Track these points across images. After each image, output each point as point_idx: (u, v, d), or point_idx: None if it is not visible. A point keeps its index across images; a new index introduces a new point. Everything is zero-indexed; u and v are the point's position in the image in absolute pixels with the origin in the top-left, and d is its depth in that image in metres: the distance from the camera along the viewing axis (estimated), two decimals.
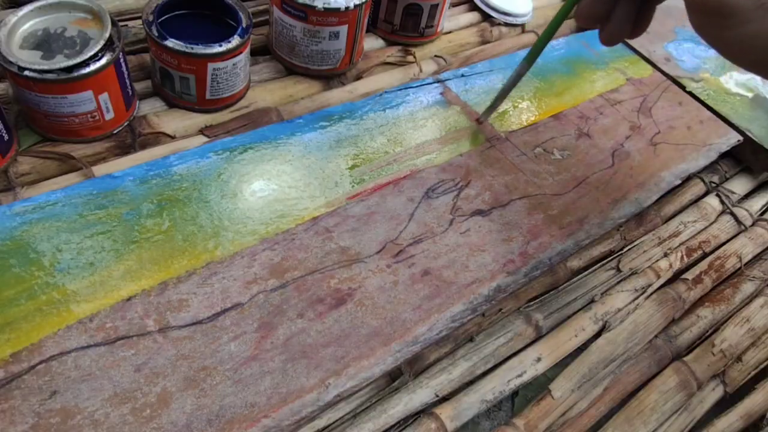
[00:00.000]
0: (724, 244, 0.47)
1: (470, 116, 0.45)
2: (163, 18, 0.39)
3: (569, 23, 0.60)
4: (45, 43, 0.34)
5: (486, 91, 0.47)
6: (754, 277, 0.44)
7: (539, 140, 0.45)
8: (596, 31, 0.58)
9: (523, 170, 0.43)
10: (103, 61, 0.34)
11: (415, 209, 0.38)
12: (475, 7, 0.57)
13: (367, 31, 0.51)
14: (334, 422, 0.31)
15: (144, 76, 0.43)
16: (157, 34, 0.36)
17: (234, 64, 0.39)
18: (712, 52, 0.59)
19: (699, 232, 0.47)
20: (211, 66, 0.38)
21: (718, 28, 0.27)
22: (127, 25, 0.44)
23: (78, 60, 0.33)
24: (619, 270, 0.42)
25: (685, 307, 0.41)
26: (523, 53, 0.52)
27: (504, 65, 0.50)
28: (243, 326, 0.31)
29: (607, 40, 0.34)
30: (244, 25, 0.39)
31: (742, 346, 0.40)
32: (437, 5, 0.49)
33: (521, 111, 0.47)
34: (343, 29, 0.43)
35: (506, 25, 0.57)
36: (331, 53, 0.44)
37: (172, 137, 0.40)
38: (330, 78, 0.47)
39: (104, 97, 0.35)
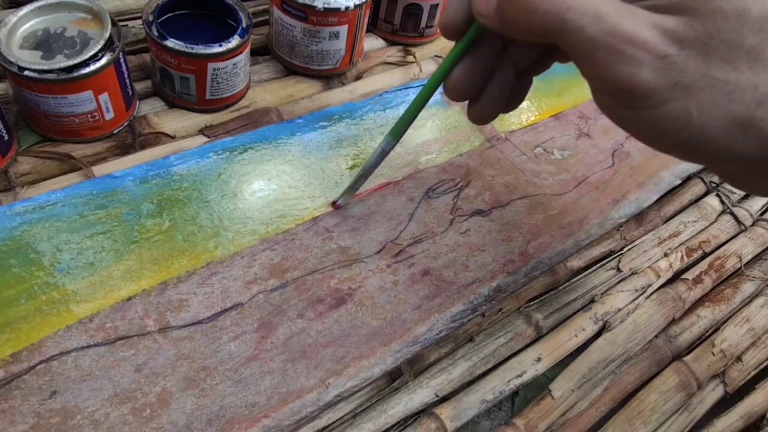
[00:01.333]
0: (724, 244, 0.47)
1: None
2: (163, 18, 0.39)
3: None
4: (45, 43, 0.34)
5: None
6: (754, 277, 0.44)
7: (539, 140, 0.45)
8: None
9: (523, 170, 0.43)
10: (103, 61, 0.34)
11: (415, 209, 0.38)
12: None
13: (367, 31, 0.51)
14: (334, 422, 0.31)
15: (144, 76, 0.43)
16: (157, 34, 0.36)
17: (234, 64, 0.39)
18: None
19: (699, 232, 0.47)
20: (211, 66, 0.38)
21: (630, 110, 0.23)
22: (127, 25, 0.44)
23: (78, 60, 0.33)
24: (619, 270, 0.42)
25: (685, 307, 0.41)
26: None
27: None
28: (243, 326, 0.31)
29: (477, 118, 0.30)
30: (244, 25, 0.39)
31: (742, 346, 0.40)
32: (437, 5, 0.49)
33: (521, 111, 0.47)
34: (343, 29, 0.43)
35: None
36: (331, 53, 0.44)
37: (172, 137, 0.40)
38: (330, 78, 0.47)
39: (104, 97, 0.35)
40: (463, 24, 0.27)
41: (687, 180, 0.49)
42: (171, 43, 0.36)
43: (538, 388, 0.36)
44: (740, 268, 0.45)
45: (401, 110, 0.44)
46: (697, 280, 0.43)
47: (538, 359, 0.36)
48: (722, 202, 0.49)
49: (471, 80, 0.28)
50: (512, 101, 0.30)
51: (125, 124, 0.39)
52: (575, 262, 0.41)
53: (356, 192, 0.37)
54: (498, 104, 0.29)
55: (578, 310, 0.39)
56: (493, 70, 0.29)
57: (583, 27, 0.21)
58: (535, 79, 0.49)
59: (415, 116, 0.32)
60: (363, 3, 0.42)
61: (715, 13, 0.20)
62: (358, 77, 0.48)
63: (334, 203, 0.37)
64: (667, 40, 0.20)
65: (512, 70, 0.29)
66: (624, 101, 0.22)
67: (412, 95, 0.45)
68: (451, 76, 0.29)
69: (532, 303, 0.39)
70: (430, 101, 0.46)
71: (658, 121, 0.22)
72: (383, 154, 0.34)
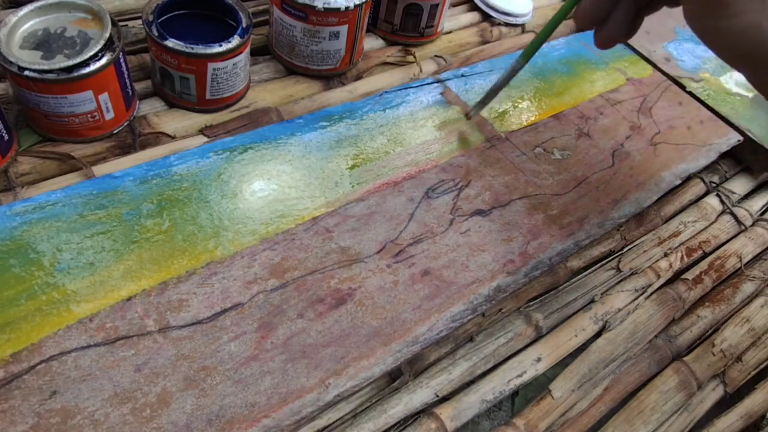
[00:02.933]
0: (724, 244, 0.47)
1: (468, 114, 0.45)
2: (163, 18, 0.39)
3: (570, 24, 0.60)
4: (45, 43, 0.34)
5: (486, 91, 0.47)
6: (754, 277, 0.44)
7: (539, 140, 0.45)
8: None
9: (523, 170, 0.43)
10: (103, 61, 0.34)
11: (415, 209, 0.38)
12: (475, 7, 0.57)
13: (367, 31, 0.51)
14: (334, 422, 0.31)
15: (144, 76, 0.43)
16: (157, 34, 0.36)
17: (234, 64, 0.39)
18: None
19: (699, 232, 0.47)
20: (211, 66, 0.38)
21: (712, 18, 0.27)
22: (127, 25, 0.44)
23: (78, 60, 0.33)
24: (619, 270, 0.42)
25: (685, 307, 0.41)
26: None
27: (504, 65, 0.50)
28: (243, 326, 0.31)
29: (603, 43, 0.35)
30: (244, 25, 0.39)
31: (742, 346, 0.40)
32: (437, 5, 0.49)
33: (521, 111, 0.47)
34: (343, 29, 0.43)
35: (506, 25, 0.57)
36: (331, 53, 0.44)
37: (172, 137, 0.40)
38: (330, 78, 0.47)
39: (104, 97, 0.35)
40: None
41: (687, 180, 0.49)
42: (171, 43, 0.36)
43: (538, 388, 0.36)
44: (740, 268, 0.45)
45: (401, 110, 0.44)
46: (697, 280, 0.43)
47: (538, 359, 0.36)
48: (722, 202, 0.49)
49: (600, 8, 0.33)
50: (631, 30, 0.35)
51: (125, 124, 0.39)
52: (575, 262, 0.41)
53: (485, 105, 0.42)
54: (622, 30, 0.34)
55: (578, 310, 0.39)
56: (617, 2, 0.33)
57: None
58: (535, 79, 0.50)
59: (545, 40, 0.38)
60: (363, 3, 0.42)
61: None
62: (358, 77, 0.48)
63: (466, 114, 0.43)
64: None
65: (633, 3, 0.33)
66: (708, 9, 0.26)
67: (412, 95, 0.45)
68: (583, 4, 0.34)
69: (532, 303, 0.39)
70: (429, 101, 0.46)
71: (733, 30, 0.26)
72: (513, 72, 0.39)
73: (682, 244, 0.45)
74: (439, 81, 0.47)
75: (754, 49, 0.26)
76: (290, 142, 0.40)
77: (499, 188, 0.41)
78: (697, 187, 0.50)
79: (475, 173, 0.41)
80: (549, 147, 0.45)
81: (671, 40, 0.59)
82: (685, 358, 0.39)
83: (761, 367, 0.40)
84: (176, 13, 0.40)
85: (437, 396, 0.33)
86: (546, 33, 0.37)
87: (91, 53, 0.33)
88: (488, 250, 0.37)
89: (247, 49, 0.40)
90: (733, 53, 0.28)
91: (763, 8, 0.25)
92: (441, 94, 0.46)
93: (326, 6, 0.40)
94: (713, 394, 0.38)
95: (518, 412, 0.34)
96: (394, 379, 0.33)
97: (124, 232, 0.33)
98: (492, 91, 0.41)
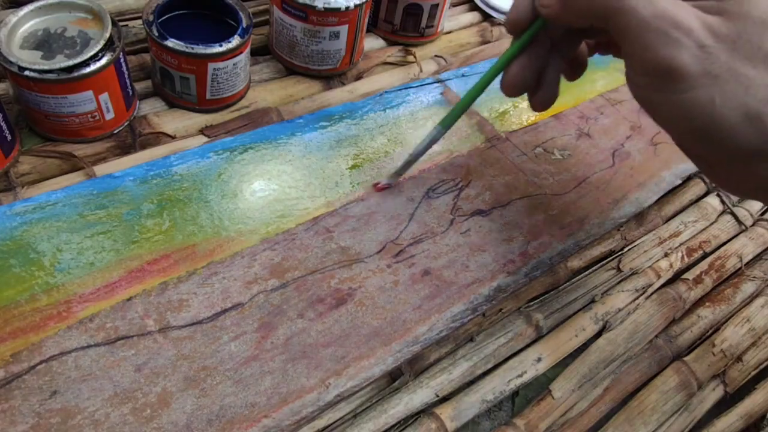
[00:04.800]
0: (724, 244, 0.47)
1: (470, 116, 0.45)
2: (163, 18, 0.39)
3: None
4: (45, 43, 0.34)
5: (486, 91, 0.47)
6: (754, 277, 0.44)
7: (539, 140, 0.45)
8: None
9: (523, 170, 0.43)
10: (104, 61, 0.34)
11: (415, 209, 0.38)
12: (475, 7, 0.57)
13: (368, 31, 0.51)
14: (334, 422, 0.31)
15: (144, 76, 0.43)
16: (157, 34, 0.36)
17: (234, 64, 0.39)
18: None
19: (699, 232, 0.47)
20: (211, 66, 0.38)
21: (661, 91, 0.25)
22: (127, 25, 0.44)
23: (78, 60, 0.33)
24: (619, 270, 0.42)
25: (685, 307, 0.41)
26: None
27: None
28: (243, 326, 0.31)
29: (543, 106, 0.33)
30: (244, 25, 0.39)
31: (742, 346, 0.40)
32: (437, 5, 0.49)
33: (521, 111, 0.47)
34: (344, 29, 0.43)
35: None
36: (332, 53, 0.44)
37: (173, 137, 0.40)
38: (330, 78, 0.47)
39: (104, 97, 0.35)
40: (527, 21, 0.30)
41: (687, 180, 0.49)
42: (171, 43, 0.36)
43: (538, 388, 0.36)
44: (741, 268, 0.45)
45: (401, 110, 0.44)
46: (698, 280, 0.43)
47: (539, 359, 0.36)
48: (723, 202, 0.49)
49: (528, 75, 0.32)
50: (574, 74, 0.35)
51: (125, 124, 0.39)
52: (575, 262, 0.41)
53: (400, 177, 0.39)
54: (556, 90, 0.33)
55: (578, 310, 0.39)
56: (544, 66, 0.32)
57: (638, 8, 0.24)
58: None
59: (467, 108, 0.35)
60: (363, 3, 0.42)
61: (746, 17, 0.24)
62: (358, 77, 0.48)
63: (376, 185, 0.39)
64: (707, 32, 0.24)
65: (561, 62, 0.33)
66: (659, 83, 0.25)
67: (412, 95, 0.45)
68: (509, 73, 0.32)
69: (532, 303, 0.39)
70: (429, 101, 0.46)
71: (685, 104, 0.25)
72: (432, 142, 0.36)
73: (682, 244, 0.45)
74: (439, 81, 0.47)
75: (705, 125, 0.24)
76: (290, 142, 0.40)
77: (500, 188, 0.41)
78: (697, 187, 0.50)
79: (475, 173, 0.41)
80: (549, 147, 0.45)
81: None
82: (685, 358, 0.39)
83: (761, 367, 0.40)
84: (176, 13, 0.40)
85: (437, 396, 0.33)
86: (466, 104, 0.35)
87: (92, 53, 0.33)
88: (488, 250, 0.37)
89: (248, 49, 0.40)
90: (682, 128, 0.26)
91: (715, 83, 0.24)
92: (441, 94, 0.46)
93: (326, 6, 0.40)
94: (713, 394, 0.38)
95: (518, 412, 0.34)
96: (395, 379, 0.33)
97: (124, 232, 0.33)
98: (407, 163, 0.38)
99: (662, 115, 0.27)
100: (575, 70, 0.35)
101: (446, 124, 0.35)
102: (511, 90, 0.32)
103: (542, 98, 0.33)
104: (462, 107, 0.35)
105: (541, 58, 0.32)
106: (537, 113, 0.47)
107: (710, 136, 0.25)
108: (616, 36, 0.26)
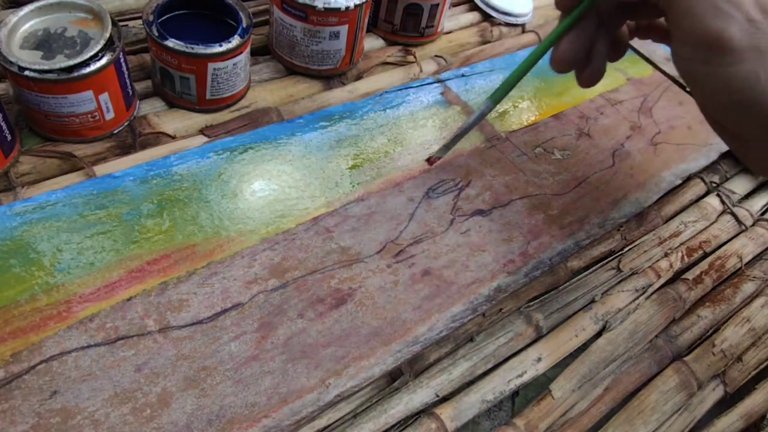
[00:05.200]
0: (724, 244, 0.47)
1: (470, 116, 0.45)
2: (163, 18, 0.39)
3: None
4: (45, 43, 0.34)
5: (486, 91, 0.47)
6: (754, 277, 0.44)
7: (539, 140, 0.45)
8: None
9: (523, 170, 0.43)
10: (104, 61, 0.34)
11: (415, 209, 0.38)
12: (475, 7, 0.57)
13: (368, 31, 0.51)
14: (334, 422, 0.31)
15: (144, 76, 0.43)
16: (157, 34, 0.36)
17: (234, 64, 0.39)
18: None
19: (699, 232, 0.47)
20: (211, 66, 0.38)
21: (706, 64, 0.26)
22: (127, 25, 0.44)
23: (78, 60, 0.33)
24: (619, 270, 0.42)
25: (685, 307, 0.41)
26: (523, 53, 0.52)
27: (504, 65, 0.50)
28: (243, 326, 0.31)
29: (590, 82, 0.34)
30: (244, 25, 0.39)
31: (742, 346, 0.40)
32: (437, 5, 0.49)
33: (521, 111, 0.47)
34: (344, 29, 0.43)
35: (506, 25, 0.57)
36: (332, 53, 0.44)
37: (173, 137, 0.40)
38: (330, 78, 0.47)
39: (104, 97, 0.35)
40: None
41: (687, 180, 0.49)
42: (171, 43, 0.36)
43: (538, 388, 0.36)
44: (741, 268, 0.45)
45: (402, 110, 0.44)
46: (698, 280, 0.43)
47: (539, 359, 0.36)
48: (723, 202, 0.49)
49: (577, 52, 0.32)
50: (616, 54, 0.36)
51: (125, 124, 0.39)
52: (575, 262, 0.41)
53: (449, 151, 0.40)
54: (603, 67, 0.34)
55: (578, 310, 0.39)
56: (592, 43, 0.33)
57: None
58: (536, 79, 0.50)
59: (516, 84, 0.36)
60: (363, 3, 0.42)
61: None
62: (358, 77, 0.48)
63: (429, 159, 0.41)
64: (757, 7, 0.24)
65: (608, 40, 0.33)
66: (705, 55, 0.25)
67: (412, 95, 0.45)
68: (559, 49, 0.32)
69: (532, 303, 0.39)
70: (429, 101, 0.46)
71: (729, 78, 0.25)
72: (482, 116, 0.38)
73: (682, 244, 0.45)
74: (439, 81, 0.47)
75: (747, 99, 0.25)
76: (290, 142, 0.40)
77: (500, 188, 0.41)
78: (697, 187, 0.50)
79: (475, 173, 0.41)
80: (549, 147, 0.45)
81: None
82: (685, 358, 0.39)
83: (761, 367, 0.40)
84: (176, 13, 0.40)
85: (437, 396, 0.33)
86: (515, 79, 0.36)
87: (92, 53, 0.33)
88: (488, 250, 0.37)
89: (248, 49, 0.40)
90: (723, 102, 0.27)
91: (762, 58, 0.24)
92: (441, 94, 0.46)
93: (326, 6, 0.40)
94: (713, 394, 0.38)
95: (518, 412, 0.34)
96: (395, 379, 0.33)
97: (124, 232, 0.33)
98: (457, 136, 0.39)
99: (705, 88, 0.27)
100: (616, 51, 0.35)
101: (495, 99, 0.37)
102: (560, 65, 0.33)
103: (590, 74, 0.34)
104: (511, 82, 0.36)
105: (590, 35, 0.32)
106: (537, 115, 0.47)
107: (752, 111, 0.25)
108: (664, 7, 0.26)
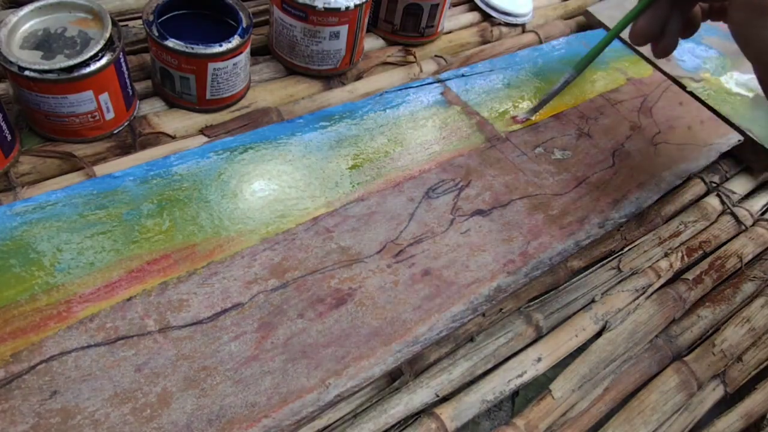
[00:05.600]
0: (724, 244, 0.47)
1: (471, 116, 0.45)
2: (163, 18, 0.39)
3: (570, 24, 0.60)
4: (45, 43, 0.34)
5: (486, 91, 0.47)
6: (754, 277, 0.44)
7: (540, 140, 0.45)
8: (596, 31, 0.58)
9: (523, 170, 0.43)
10: (104, 61, 0.34)
11: (415, 209, 0.38)
12: (475, 7, 0.57)
13: (368, 31, 0.51)
14: (334, 422, 0.31)
15: (144, 76, 0.43)
16: (157, 34, 0.36)
17: (234, 64, 0.39)
18: (713, 52, 0.59)
19: (699, 232, 0.47)
20: (211, 66, 0.38)
21: (755, 27, 0.30)
22: (127, 25, 0.44)
23: (78, 60, 0.33)
24: (619, 270, 0.42)
25: (685, 307, 0.41)
26: (523, 53, 0.52)
27: (504, 65, 0.50)
28: (243, 326, 0.31)
29: (664, 53, 0.39)
30: (244, 25, 0.39)
31: (742, 346, 0.40)
32: (437, 5, 0.49)
33: (521, 111, 0.47)
34: (344, 29, 0.43)
35: (506, 25, 0.57)
36: (332, 53, 0.44)
37: (173, 137, 0.40)
38: (330, 78, 0.47)
39: (104, 97, 0.35)
40: None
41: (687, 180, 0.49)
42: (171, 43, 0.36)
43: (538, 388, 0.36)
44: (741, 268, 0.45)
45: (402, 110, 0.44)
46: (698, 280, 0.43)
47: (539, 359, 0.36)
48: (722, 202, 0.49)
49: (653, 27, 0.37)
50: (689, 29, 0.40)
51: (125, 124, 0.39)
52: (575, 262, 0.41)
53: (535, 114, 0.46)
54: (676, 41, 0.39)
55: (578, 310, 0.39)
56: (666, 20, 0.37)
57: None
58: (535, 79, 0.50)
59: (598, 55, 0.42)
60: (363, 3, 0.42)
61: None
62: (358, 77, 0.48)
63: (515, 117, 0.45)
64: None
65: (681, 19, 0.38)
66: (755, 18, 0.30)
67: (412, 95, 0.45)
68: (638, 25, 0.38)
69: (532, 303, 0.39)
70: (430, 101, 0.46)
71: None
72: (566, 83, 0.44)
73: (682, 244, 0.45)
74: (439, 81, 0.47)
75: None
76: (290, 142, 0.40)
77: (500, 188, 0.41)
78: (697, 187, 0.50)
79: (475, 173, 0.41)
80: (549, 147, 0.45)
81: None
82: (685, 358, 0.39)
83: (761, 367, 0.40)
84: (176, 13, 0.40)
85: (437, 396, 0.33)
86: (598, 50, 0.41)
87: (92, 53, 0.33)
88: (488, 250, 0.37)
89: (248, 49, 0.40)
90: None
91: None
92: (441, 94, 0.46)
93: (326, 6, 0.40)
94: (713, 394, 0.38)
95: (518, 412, 0.34)
96: (395, 379, 0.33)
97: (124, 232, 0.33)
98: (544, 101, 0.45)
99: (754, 48, 0.31)
100: (688, 29, 0.40)
101: (579, 68, 0.42)
102: (638, 39, 0.38)
103: (664, 46, 0.38)
104: (594, 53, 0.41)
105: (664, 14, 0.37)
106: (539, 115, 0.47)
107: None
108: None
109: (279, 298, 0.32)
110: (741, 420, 0.37)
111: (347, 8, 0.41)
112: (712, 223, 0.47)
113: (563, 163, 0.44)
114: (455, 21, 0.55)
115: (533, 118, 0.45)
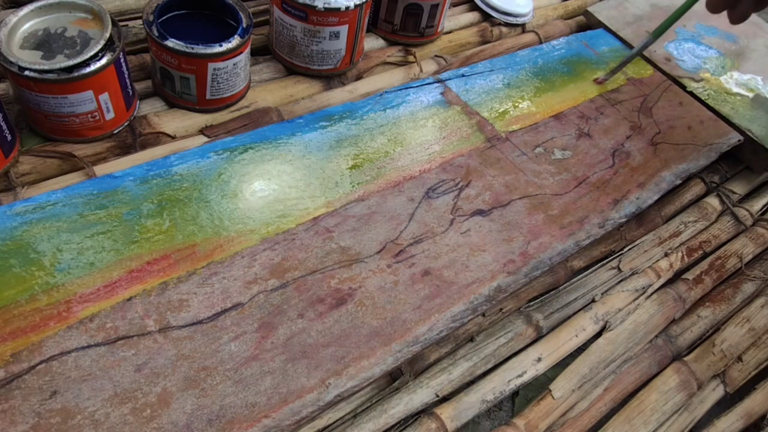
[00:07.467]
0: (724, 244, 0.47)
1: (471, 116, 0.45)
2: (163, 18, 0.39)
3: (570, 24, 0.60)
4: (45, 43, 0.34)
5: (486, 91, 0.47)
6: (754, 277, 0.44)
7: (540, 140, 0.45)
8: (596, 32, 0.58)
9: (523, 170, 0.43)
10: (104, 61, 0.34)
11: (415, 209, 0.38)
12: (475, 7, 0.57)
13: (368, 31, 0.51)
14: (334, 422, 0.31)
15: (144, 76, 0.43)
16: (157, 34, 0.36)
17: (234, 64, 0.39)
18: (713, 52, 0.59)
19: (699, 232, 0.47)
20: (211, 66, 0.38)
21: None
22: (127, 25, 0.44)
23: (78, 60, 0.33)
24: (619, 270, 0.42)
25: (685, 307, 0.41)
26: (523, 53, 0.52)
27: (504, 65, 0.50)
28: (243, 326, 0.31)
29: (739, 19, 0.42)
30: (244, 25, 0.39)
31: (742, 346, 0.40)
32: (438, 5, 0.49)
33: (521, 111, 0.47)
34: (344, 29, 0.43)
35: (506, 25, 0.57)
36: (332, 53, 0.44)
37: (173, 137, 0.40)
38: (330, 78, 0.47)
39: (104, 97, 0.35)
40: None
41: (687, 180, 0.49)
42: (171, 43, 0.36)
43: (538, 388, 0.36)
44: (741, 268, 0.45)
45: (402, 110, 0.44)
46: (698, 280, 0.43)
47: (539, 359, 0.36)
48: (722, 202, 0.49)
49: None
50: (755, 9, 0.43)
51: (125, 124, 0.39)
52: (576, 262, 0.41)
53: (614, 75, 0.51)
54: (749, 11, 0.42)
55: (578, 310, 0.39)
56: None
57: None
58: (536, 79, 0.50)
59: (675, 21, 0.45)
60: (363, 3, 0.42)
61: None
62: (358, 77, 0.48)
63: (596, 79, 0.50)
64: None
65: None
66: None
67: (412, 95, 0.45)
68: None
69: (532, 303, 0.39)
70: (430, 101, 0.46)
71: None
72: (644, 47, 0.48)
73: (682, 244, 0.45)
74: (439, 81, 0.47)
75: None
76: (290, 142, 0.40)
77: (500, 188, 0.41)
78: (697, 187, 0.50)
79: (475, 173, 0.41)
80: (549, 147, 0.45)
81: (672, 40, 0.59)
82: (685, 358, 0.39)
83: (761, 367, 0.40)
84: (176, 13, 0.40)
85: (437, 396, 0.33)
86: (675, 17, 0.45)
87: (92, 53, 0.33)
88: (488, 250, 0.37)
89: (248, 49, 0.40)
90: None
91: None
92: (441, 94, 0.46)
93: (326, 6, 0.40)
94: (713, 394, 0.38)
95: (518, 412, 0.34)
96: (395, 379, 0.33)
97: (124, 232, 0.33)
98: (623, 63, 0.50)
99: None
100: (760, 2, 0.43)
101: (657, 34, 0.46)
102: (714, 7, 0.42)
103: (739, 12, 0.42)
104: (672, 20, 0.45)
105: None
106: (539, 115, 0.47)
107: None
108: None
109: (279, 298, 0.32)
110: (741, 420, 0.37)
111: (347, 8, 0.41)
112: (712, 223, 0.47)
113: (563, 163, 0.44)
114: (455, 21, 0.55)
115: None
